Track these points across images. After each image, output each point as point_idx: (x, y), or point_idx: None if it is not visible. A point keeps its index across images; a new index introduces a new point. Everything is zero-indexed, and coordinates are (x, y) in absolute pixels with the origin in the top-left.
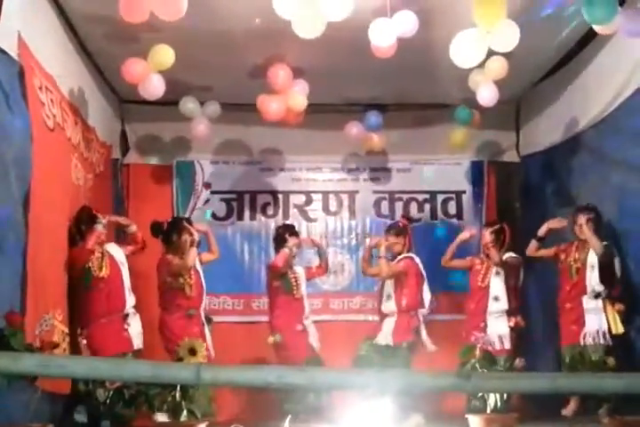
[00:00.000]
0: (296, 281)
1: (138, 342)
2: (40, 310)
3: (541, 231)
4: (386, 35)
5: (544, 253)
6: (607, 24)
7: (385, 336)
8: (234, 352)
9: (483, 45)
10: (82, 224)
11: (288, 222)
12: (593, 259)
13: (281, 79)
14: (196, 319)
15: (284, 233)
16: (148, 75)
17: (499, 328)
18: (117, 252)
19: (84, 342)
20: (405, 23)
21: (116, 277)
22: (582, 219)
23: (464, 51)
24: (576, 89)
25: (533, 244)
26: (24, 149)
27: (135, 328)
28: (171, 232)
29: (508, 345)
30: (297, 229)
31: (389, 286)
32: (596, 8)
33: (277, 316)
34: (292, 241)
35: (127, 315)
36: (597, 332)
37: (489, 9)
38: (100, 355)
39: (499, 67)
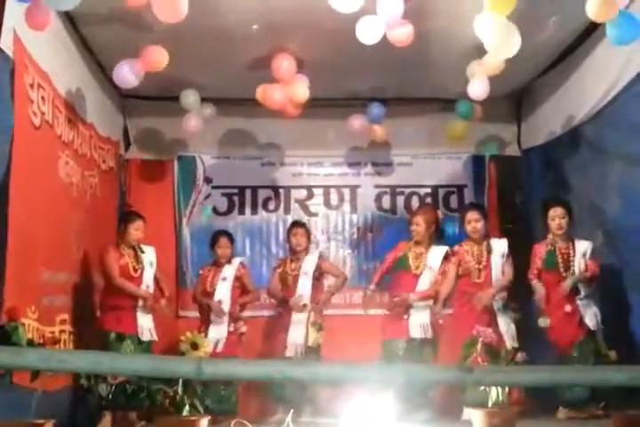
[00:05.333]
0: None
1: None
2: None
3: None
4: (373, 32)
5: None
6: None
7: None
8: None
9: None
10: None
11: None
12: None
13: (284, 69)
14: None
15: None
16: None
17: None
18: None
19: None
20: (392, 14)
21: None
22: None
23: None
24: (575, 82)
25: None
26: (2, 148)
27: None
28: None
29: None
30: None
31: None
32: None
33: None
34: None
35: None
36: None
37: None
38: None
39: (494, 63)
